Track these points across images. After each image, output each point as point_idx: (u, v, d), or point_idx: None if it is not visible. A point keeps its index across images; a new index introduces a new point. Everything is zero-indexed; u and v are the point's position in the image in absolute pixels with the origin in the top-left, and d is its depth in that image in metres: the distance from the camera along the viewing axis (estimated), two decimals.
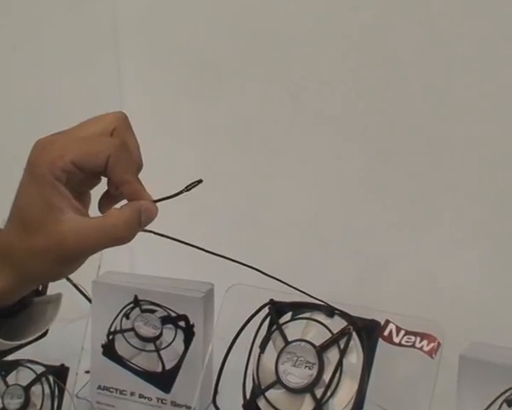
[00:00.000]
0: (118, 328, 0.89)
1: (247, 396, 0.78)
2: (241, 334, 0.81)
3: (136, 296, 0.88)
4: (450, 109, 0.87)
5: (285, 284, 0.68)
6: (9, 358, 0.87)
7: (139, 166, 0.54)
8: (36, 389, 0.88)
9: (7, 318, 0.57)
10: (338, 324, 0.76)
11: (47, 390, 0.88)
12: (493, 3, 0.82)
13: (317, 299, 0.76)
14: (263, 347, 0.78)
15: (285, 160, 0.99)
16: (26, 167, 0.51)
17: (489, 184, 0.85)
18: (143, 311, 0.88)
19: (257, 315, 0.81)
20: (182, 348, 0.87)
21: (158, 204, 0.54)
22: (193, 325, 0.86)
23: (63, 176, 0.50)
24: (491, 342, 0.75)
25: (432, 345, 0.74)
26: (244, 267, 0.63)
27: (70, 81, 1.09)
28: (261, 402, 0.76)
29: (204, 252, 0.64)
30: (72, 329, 0.92)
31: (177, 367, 0.87)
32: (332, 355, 0.75)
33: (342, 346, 0.75)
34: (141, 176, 0.54)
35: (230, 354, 0.81)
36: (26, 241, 0.50)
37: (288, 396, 0.75)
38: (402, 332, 0.75)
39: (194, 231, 0.70)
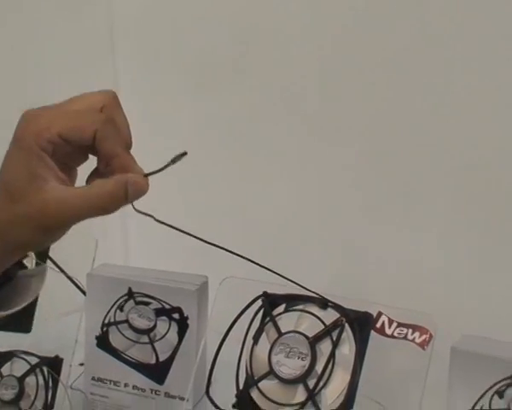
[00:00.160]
0: (112, 320, 0.89)
1: (241, 387, 0.78)
2: (235, 326, 0.82)
3: (130, 289, 0.88)
4: (437, 105, 0.87)
5: (279, 275, 0.68)
6: (4, 349, 0.88)
7: (128, 144, 0.54)
8: (30, 380, 0.88)
9: None
10: (331, 316, 0.77)
11: (41, 381, 0.88)
12: (493, 3, 0.82)
13: (310, 291, 0.76)
14: (256, 338, 0.79)
15: (285, 160, 0.99)
16: (12, 140, 0.52)
17: (480, 177, 0.86)
18: (137, 303, 0.88)
19: (250, 307, 0.82)
20: (176, 340, 0.87)
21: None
22: (187, 318, 0.87)
23: (49, 147, 0.51)
24: (482, 335, 0.75)
25: (424, 337, 0.75)
26: (237, 260, 0.64)
27: (67, 82, 1.09)
28: (254, 393, 0.77)
29: (198, 244, 0.64)
30: (66, 322, 0.92)
31: (170, 359, 0.87)
32: (325, 347, 0.75)
33: (335, 337, 0.75)
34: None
35: (224, 346, 0.82)
36: (9, 210, 0.51)
37: (281, 387, 0.75)
38: (394, 324, 0.76)
39: (186, 224, 0.70)
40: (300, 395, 0.74)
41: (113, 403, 0.90)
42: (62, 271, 0.94)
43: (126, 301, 0.89)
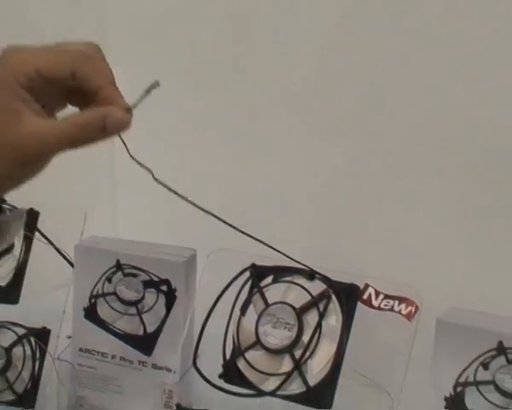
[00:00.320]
0: (100, 292, 0.89)
1: (227, 358, 0.79)
2: (223, 299, 0.82)
3: (118, 260, 0.88)
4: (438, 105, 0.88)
5: (266, 245, 0.69)
6: None
7: (112, 81, 0.53)
8: (17, 351, 0.88)
9: None
10: (318, 287, 0.77)
11: (28, 352, 0.89)
12: (493, 3, 0.82)
13: (298, 262, 0.77)
14: (243, 309, 0.79)
15: (285, 160, 0.99)
16: None
17: (465, 158, 0.86)
18: (126, 275, 0.88)
19: (238, 279, 0.82)
20: (163, 311, 0.87)
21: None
22: (175, 290, 0.87)
23: (26, 82, 0.50)
24: (469, 308, 0.76)
25: (410, 309, 0.75)
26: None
27: None
28: (241, 363, 0.77)
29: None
30: (54, 294, 0.92)
31: (158, 330, 0.87)
32: (311, 318, 0.76)
33: (322, 308, 0.76)
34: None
35: (212, 319, 0.82)
36: None
37: (268, 357, 0.76)
38: (381, 296, 0.76)
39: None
40: (287, 365, 0.75)
41: (101, 374, 0.90)
42: (51, 243, 0.94)
43: (114, 272, 0.89)
